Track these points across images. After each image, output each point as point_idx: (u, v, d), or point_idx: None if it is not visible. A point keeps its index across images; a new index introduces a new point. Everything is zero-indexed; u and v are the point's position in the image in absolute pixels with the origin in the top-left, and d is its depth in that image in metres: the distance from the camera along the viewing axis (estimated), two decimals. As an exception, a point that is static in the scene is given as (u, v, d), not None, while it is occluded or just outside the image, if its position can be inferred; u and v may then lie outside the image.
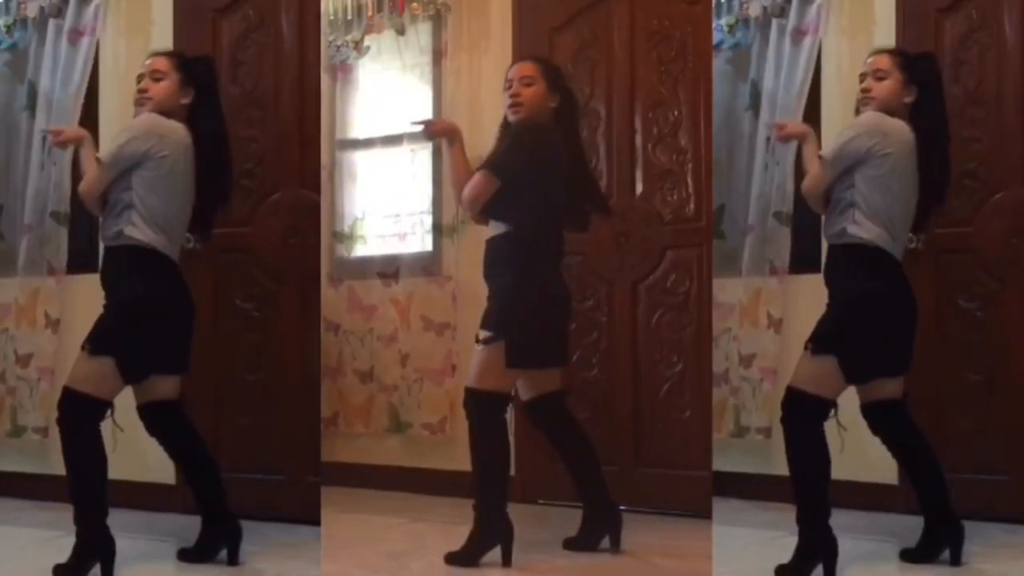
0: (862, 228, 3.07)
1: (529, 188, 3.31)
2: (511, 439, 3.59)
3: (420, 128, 3.59)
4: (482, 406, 3.30)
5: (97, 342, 3.13)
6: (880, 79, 3.17)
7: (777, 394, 4.02)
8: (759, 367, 4.14)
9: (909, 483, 3.33)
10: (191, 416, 3.58)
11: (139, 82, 3.30)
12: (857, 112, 3.24)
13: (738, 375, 4.18)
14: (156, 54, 3.37)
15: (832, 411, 3.07)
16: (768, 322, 4.13)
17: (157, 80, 3.26)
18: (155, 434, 3.32)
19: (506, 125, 3.47)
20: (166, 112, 3.25)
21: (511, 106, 3.40)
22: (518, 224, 3.33)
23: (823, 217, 3.22)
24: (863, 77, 3.21)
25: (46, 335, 4.24)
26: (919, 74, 3.19)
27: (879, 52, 3.26)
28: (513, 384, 3.39)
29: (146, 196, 3.15)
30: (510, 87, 3.42)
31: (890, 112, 3.15)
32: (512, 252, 3.33)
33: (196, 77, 3.31)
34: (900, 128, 3.12)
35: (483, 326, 3.32)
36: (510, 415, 3.46)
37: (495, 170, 3.34)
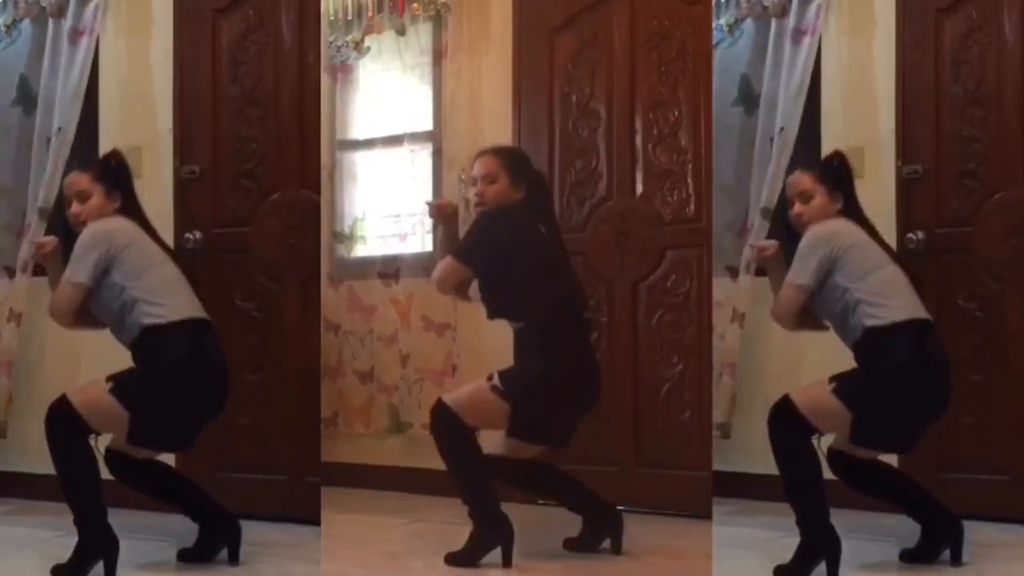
0: (881, 315, 3.05)
1: (516, 277, 3.28)
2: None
3: (430, 210, 3.61)
4: (448, 424, 3.27)
5: (123, 388, 3.10)
6: (807, 200, 3.20)
7: (737, 388, 4.09)
8: (718, 362, 4.12)
9: (898, 509, 3.30)
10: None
11: (68, 205, 3.29)
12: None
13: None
14: (74, 172, 3.35)
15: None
16: (732, 316, 4.12)
17: (84, 200, 3.26)
18: (119, 477, 3.28)
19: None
20: None
21: (476, 205, 3.39)
22: (529, 319, 3.32)
23: (834, 329, 3.20)
24: (791, 201, 3.24)
25: (7, 329, 4.22)
26: (838, 179, 3.21)
27: (798, 172, 3.28)
28: (490, 428, 3.34)
29: (139, 283, 3.15)
30: (475, 183, 3.40)
31: None
32: (535, 344, 3.31)
33: (116, 179, 3.30)
34: (842, 223, 3.17)
35: (501, 376, 3.28)
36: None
37: (459, 256, 3.34)
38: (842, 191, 3.22)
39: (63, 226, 3.31)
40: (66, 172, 3.40)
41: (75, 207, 3.28)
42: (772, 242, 3.36)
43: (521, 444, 3.36)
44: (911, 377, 3.04)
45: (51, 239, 3.38)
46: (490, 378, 3.29)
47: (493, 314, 3.41)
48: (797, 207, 3.23)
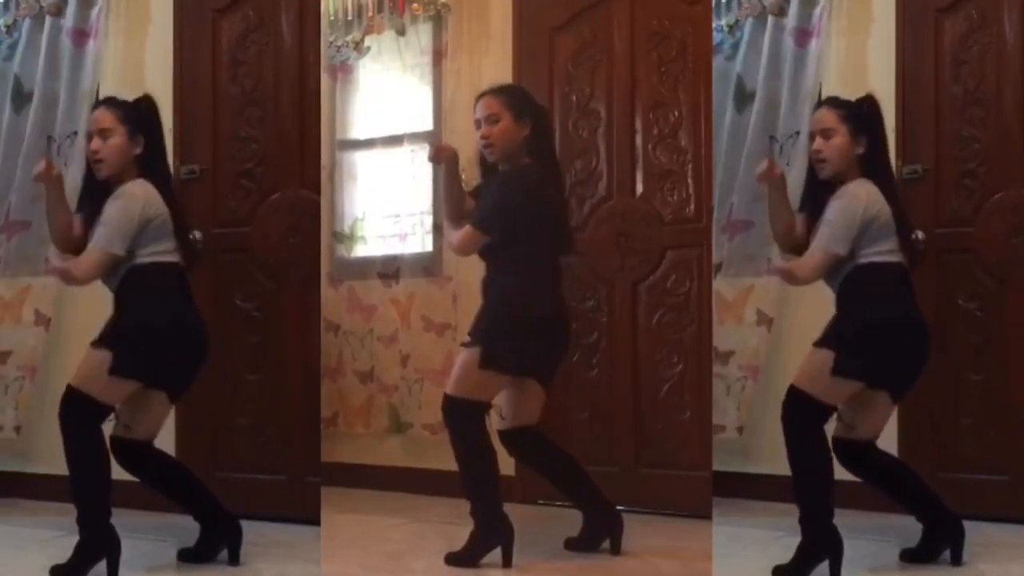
0: (871, 255, 3.08)
1: (521, 238, 3.30)
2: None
3: (429, 153, 3.58)
4: (459, 413, 3.29)
5: (103, 334, 3.14)
6: (829, 138, 3.15)
7: (760, 392, 4.07)
8: (738, 364, 4.12)
9: (900, 504, 3.30)
10: (191, 416, 3.59)
11: (89, 140, 3.25)
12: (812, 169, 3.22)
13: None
14: (99, 105, 3.32)
15: (831, 414, 3.07)
16: (758, 319, 4.12)
17: (106, 139, 3.20)
18: (128, 469, 3.28)
19: (484, 162, 3.45)
20: (122, 168, 3.22)
21: (484, 147, 3.39)
22: (507, 264, 3.34)
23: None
24: (812, 136, 3.19)
25: (34, 332, 4.20)
26: (864, 122, 3.17)
27: (822, 106, 3.24)
28: (492, 393, 3.36)
29: (146, 249, 3.15)
30: (479, 127, 3.40)
31: (845, 167, 3.15)
32: (504, 272, 3.35)
33: (142, 122, 3.26)
34: (872, 192, 3.12)
35: (468, 333, 3.35)
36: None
37: (480, 226, 3.33)
38: (867, 136, 3.16)
39: (86, 166, 3.26)
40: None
41: (95, 143, 3.22)
42: (778, 165, 3.32)
43: (512, 402, 3.39)
44: (889, 309, 3.06)
45: (55, 165, 3.31)
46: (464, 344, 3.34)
47: (486, 258, 3.41)
48: (817, 142, 3.17)
